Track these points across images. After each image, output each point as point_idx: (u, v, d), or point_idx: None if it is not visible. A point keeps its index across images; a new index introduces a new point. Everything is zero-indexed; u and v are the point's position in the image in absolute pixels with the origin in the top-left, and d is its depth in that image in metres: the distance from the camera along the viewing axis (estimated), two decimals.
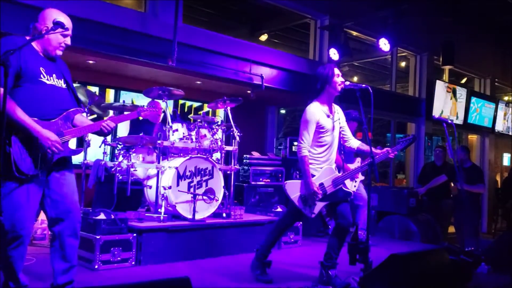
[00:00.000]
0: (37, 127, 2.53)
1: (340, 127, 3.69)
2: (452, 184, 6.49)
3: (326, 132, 3.53)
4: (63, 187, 2.71)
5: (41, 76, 2.63)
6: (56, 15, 2.69)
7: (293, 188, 3.53)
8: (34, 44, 2.67)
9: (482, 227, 9.27)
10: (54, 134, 2.60)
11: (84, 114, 3.18)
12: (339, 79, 3.55)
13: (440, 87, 9.54)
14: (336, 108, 3.71)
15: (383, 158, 3.61)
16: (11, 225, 2.50)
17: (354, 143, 3.75)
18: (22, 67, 2.54)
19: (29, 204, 2.58)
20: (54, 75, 2.71)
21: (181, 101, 7.44)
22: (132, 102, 6.58)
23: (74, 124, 2.79)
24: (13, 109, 2.45)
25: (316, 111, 3.50)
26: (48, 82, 2.66)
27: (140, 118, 3.44)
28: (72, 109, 2.77)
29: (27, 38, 2.58)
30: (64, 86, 2.78)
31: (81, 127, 2.81)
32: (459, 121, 10.07)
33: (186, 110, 7.48)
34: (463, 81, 11.68)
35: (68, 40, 2.76)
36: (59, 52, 2.76)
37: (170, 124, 4.70)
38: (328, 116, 3.56)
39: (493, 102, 11.38)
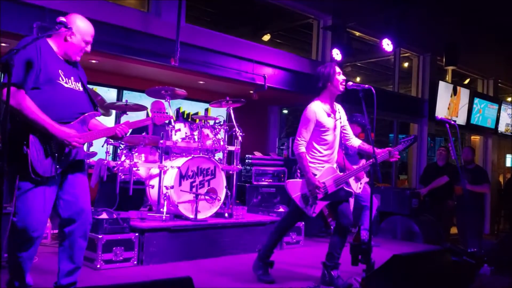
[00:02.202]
0: (55, 125, 2.53)
1: (342, 126, 3.68)
2: (455, 186, 6.46)
3: (327, 131, 3.52)
4: (76, 188, 2.71)
5: (60, 78, 2.63)
6: (78, 20, 2.71)
7: (295, 187, 3.53)
8: (54, 46, 2.69)
9: (484, 228, 9.25)
10: (72, 130, 2.61)
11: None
12: (340, 77, 3.55)
13: (443, 88, 9.52)
14: (338, 107, 3.70)
15: (385, 157, 3.59)
16: (24, 226, 2.49)
17: (355, 142, 3.75)
18: (42, 68, 2.54)
19: (44, 207, 2.57)
20: (72, 78, 2.72)
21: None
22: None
23: (89, 128, 2.80)
24: (30, 108, 2.45)
25: (317, 109, 3.50)
26: (66, 85, 2.66)
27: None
28: (88, 113, 2.77)
29: (47, 39, 2.62)
30: (81, 89, 2.78)
31: (97, 131, 2.81)
32: (462, 121, 10.06)
33: (184, 116, 7.50)
34: (466, 81, 11.66)
35: (88, 48, 2.78)
36: (78, 58, 2.78)
37: (173, 124, 4.70)
38: (329, 115, 3.55)
39: (496, 103, 11.35)
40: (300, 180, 3.55)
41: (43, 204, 2.56)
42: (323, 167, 3.52)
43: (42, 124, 2.49)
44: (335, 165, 3.60)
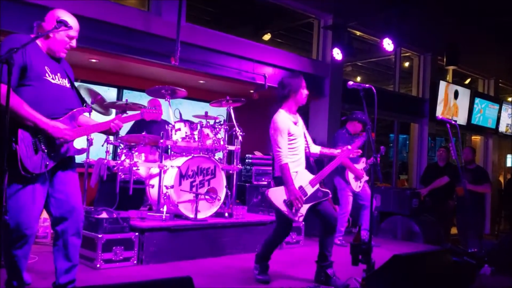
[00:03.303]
0: (44, 119, 2.51)
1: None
2: (457, 187, 6.45)
3: (296, 138, 3.61)
4: (67, 186, 2.70)
5: (46, 75, 2.61)
6: (63, 15, 2.68)
7: (277, 195, 3.52)
8: (39, 43, 2.67)
9: (485, 228, 9.24)
10: (62, 123, 2.59)
11: (87, 114, 3.16)
12: (304, 91, 3.67)
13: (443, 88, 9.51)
14: (297, 116, 3.78)
15: (346, 155, 3.75)
16: (16, 224, 2.48)
17: (315, 149, 3.84)
18: (28, 65, 2.53)
19: (35, 204, 2.56)
20: (58, 74, 2.70)
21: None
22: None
23: (79, 124, 2.78)
24: (19, 105, 2.43)
25: (285, 119, 3.59)
26: (53, 81, 2.64)
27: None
28: (77, 109, 2.75)
29: (32, 36, 2.57)
30: (68, 85, 2.77)
31: (90, 126, 2.80)
32: (462, 121, 10.04)
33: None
34: (467, 81, 11.65)
35: (73, 43, 2.75)
36: (63, 54, 2.76)
37: (173, 123, 4.69)
38: (296, 123, 3.65)
39: (497, 103, 11.34)
40: (281, 187, 3.54)
41: (35, 201, 2.55)
42: (296, 172, 3.57)
43: (31, 119, 2.47)
44: (304, 168, 3.66)
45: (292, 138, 3.58)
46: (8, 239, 2.50)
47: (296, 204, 3.47)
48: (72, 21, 2.70)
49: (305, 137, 3.77)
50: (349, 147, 3.82)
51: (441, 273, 3.18)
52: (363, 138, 3.81)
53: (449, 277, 3.26)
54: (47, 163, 2.56)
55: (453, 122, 4.35)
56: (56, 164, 2.63)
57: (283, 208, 3.49)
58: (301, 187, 3.53)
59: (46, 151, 2.56)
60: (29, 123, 2.47)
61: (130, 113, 4.70)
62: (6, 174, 2.39)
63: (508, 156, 12.90)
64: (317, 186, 3.59)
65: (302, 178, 3.57)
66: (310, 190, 3.56)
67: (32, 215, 2.56)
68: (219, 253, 4.47)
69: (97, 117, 5.71)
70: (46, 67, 2.63)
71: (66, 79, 2.77)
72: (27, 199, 2.52)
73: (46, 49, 2.69)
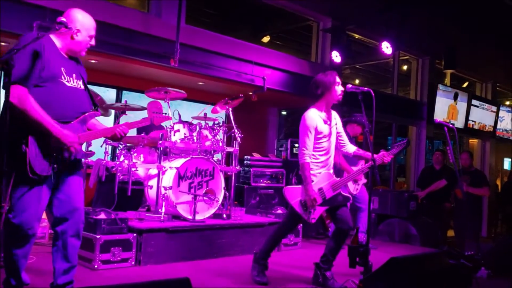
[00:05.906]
0: (57, 127, 2.53)
1: (338, 133, 3.72)
2: (456, 188, 6.48)
3: (324, 138, 3.55)
4: (70, 187, 2.71)
5: (62, 77, 2.63)
6: (80, 16, 2.74)
7: (293, 194, 3.54)
8: (57, 42, 2.69)
9: (482, 231, 9.27)
10: (73, 134, 2.61)
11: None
12: (339, 87, 3.57)
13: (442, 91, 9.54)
14: (334, 114, 3.73)
15: (379, 162, 3.63)
16: (20, 223, 2.50)
17: (350, 148, 3.79)
18: (45, 66, 2.54)
19: (39, 205, 2.57)
20: (74, 75, 2.72)
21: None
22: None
23: (88, 127, 2.80)
24: (34, 108, 2.45)
25: (314, 117, 3.53)
26: (68, 84, 2.66)
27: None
28: (89, 113, 2.76)
29: (50, 36, 2.62)
30: (82, 87, 2.78)
31: (96, 131, 2.81)
32: (460, 125, 10.07)
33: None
34: (465, 85, 11.68)
35: (93, 41, 2.80)
36: (84, 53, 2.79)
37: (172, 124, 4.71)
38: (326, 122, 3.59)
39: (495, 106, 11.37)
40: (299, 186, 3.56)
41: (38, 203, 2.56)
42: (319, 173, 3.54)
43: (45, 125, 2.48)
44: (331, 171, 3.62)
45: (320, 137, 3.51)
46: (10, 238, 2.52)
47: (309, 206, 3.47)
48: (89, 20, 2.76)
49: (340, 135, 3.71)
50: (385, 154, 3.66)
51: (438, 275, 3.19)
52: (401, 147, 3.69)
53: (446, 280, 3.28)
54: (55, 165, 2.57)
55: (450, 125, 4.36)
56: (64, 166, 2.63)
57: (297, 207, 3.51)
58: (320, 189, 3.50)
59: (55, 154, 2.56)
60: (43, 129, 2.48)
61: (130, 114, 4.74)
62: (13, 174, 2.43)
63: (505, 159, 12.94)
64: (339, 190, 3.55)
65: (324, 180, 3.53)
66: (330, 194, 3.53)
67: (35, 216, 2.58)
68: (217, 255, 4.48)
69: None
70: (62, 69, 2.64)
71: (81, 80, 2.79)
72: (33, 200, 2.53)
73: (66, 49, 2.71)
